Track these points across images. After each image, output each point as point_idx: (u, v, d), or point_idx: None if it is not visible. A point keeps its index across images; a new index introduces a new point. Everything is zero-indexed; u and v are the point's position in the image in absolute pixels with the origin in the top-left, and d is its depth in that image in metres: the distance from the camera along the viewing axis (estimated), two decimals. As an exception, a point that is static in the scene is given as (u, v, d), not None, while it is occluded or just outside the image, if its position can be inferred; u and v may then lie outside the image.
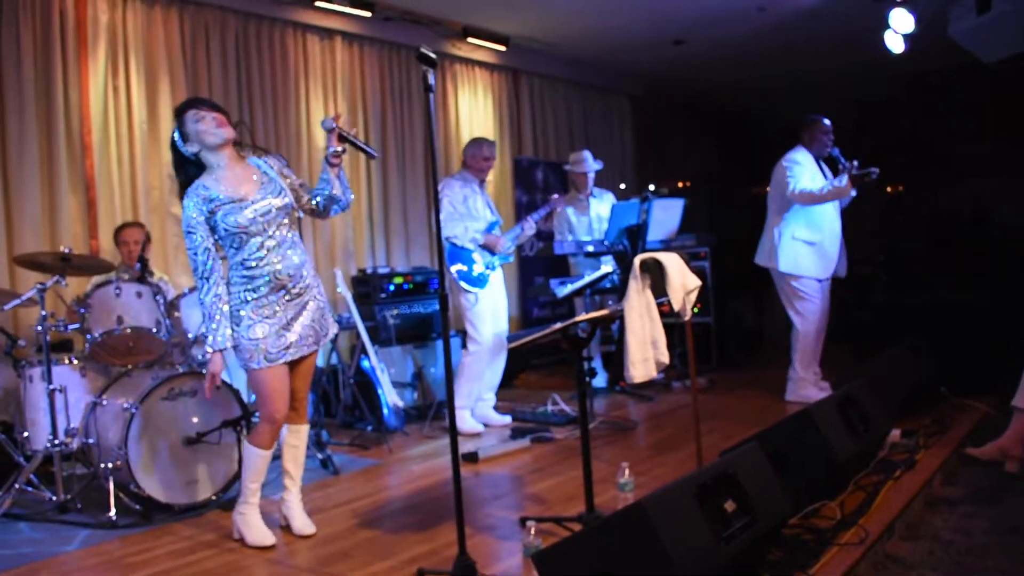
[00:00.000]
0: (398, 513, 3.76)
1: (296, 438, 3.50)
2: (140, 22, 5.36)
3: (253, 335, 3.15)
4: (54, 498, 3.82)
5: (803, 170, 5.40)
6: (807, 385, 5.52)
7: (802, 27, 7.53)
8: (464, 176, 5.36)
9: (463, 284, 5.15)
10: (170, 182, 5.41)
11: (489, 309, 5.26)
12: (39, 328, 3.90)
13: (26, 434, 4.04)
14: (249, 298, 3.16)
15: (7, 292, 4.35)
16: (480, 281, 5.19)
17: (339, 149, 3.28)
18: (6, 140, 4.80)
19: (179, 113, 3.21)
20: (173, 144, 3.22)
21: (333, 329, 3.49)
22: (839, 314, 8.87)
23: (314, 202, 3.37)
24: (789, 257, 5.44)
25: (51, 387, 3.85)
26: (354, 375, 5.32)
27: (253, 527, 3.35)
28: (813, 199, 5.28)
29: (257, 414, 4.87)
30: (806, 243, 5.44)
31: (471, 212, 5.25)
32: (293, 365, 3.32)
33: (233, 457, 3.94)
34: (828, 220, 5.48)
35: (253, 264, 3.15)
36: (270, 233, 3.17)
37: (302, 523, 3.47)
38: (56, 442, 3.84)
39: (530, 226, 5.52)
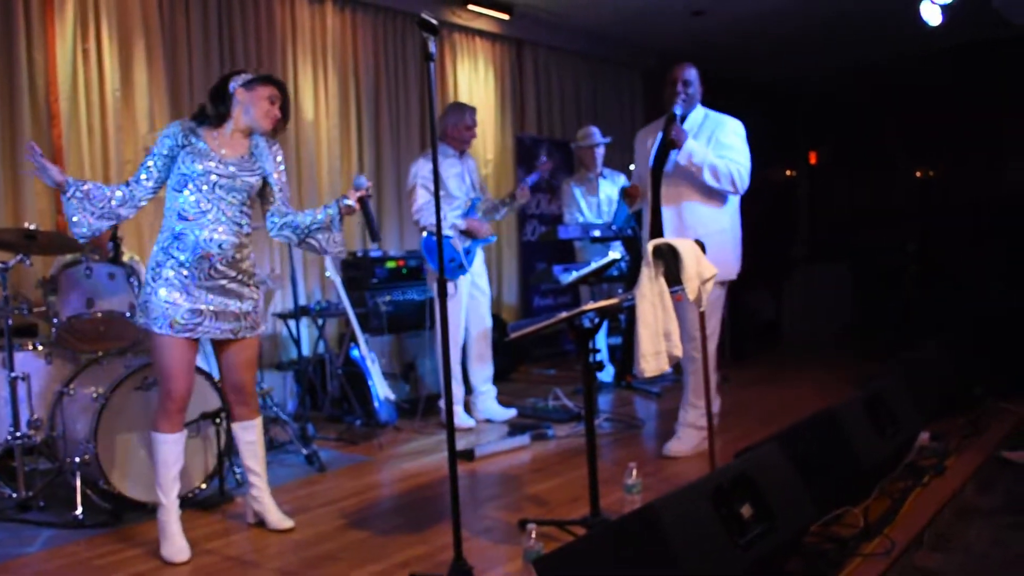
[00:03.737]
0: (389, 513, 3.75)
1: (250, 434, 3.53)
2: (113, -18, 5.31)
3: (166, 296, 3.18)
4: (15, 495, 3.81)
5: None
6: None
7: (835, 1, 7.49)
8: (440, 150, 5.27)
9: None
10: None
11: (466, 297, 5.25)
12: (0, 311, 3.88)
13: (-15, 425, 4.04)
14: (174, 254, 3.21)
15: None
16: (457, 270, 5.14)
17: (354, 206, 3.43)
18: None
19: (259, 79, 3.37)
20: (224, 82, 3.37)
21: (261, 327, 3.52)
22: (864, 308, 8.92)
23: (279, 216, 3.48)
24: None
25: (13, 375, 3.83)
26: (343, 365, 5.30)
27: (168, 537, 3.26)
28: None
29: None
30: None
31: (448, 192, 5.19)
32: (226, 352, 3.40)
33: (212, 452, 3.93)
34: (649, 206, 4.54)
35: (186, 223, 3.21)
36: (212, 197, 3.25)
37: (278, 517, 3.53)
38: (18, 435, 3.82)
39: (524, 194, 5.42)
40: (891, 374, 4.09)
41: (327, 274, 4.99)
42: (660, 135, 4.34)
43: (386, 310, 5.62)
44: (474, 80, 7.71)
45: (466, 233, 5.17)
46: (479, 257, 5.33)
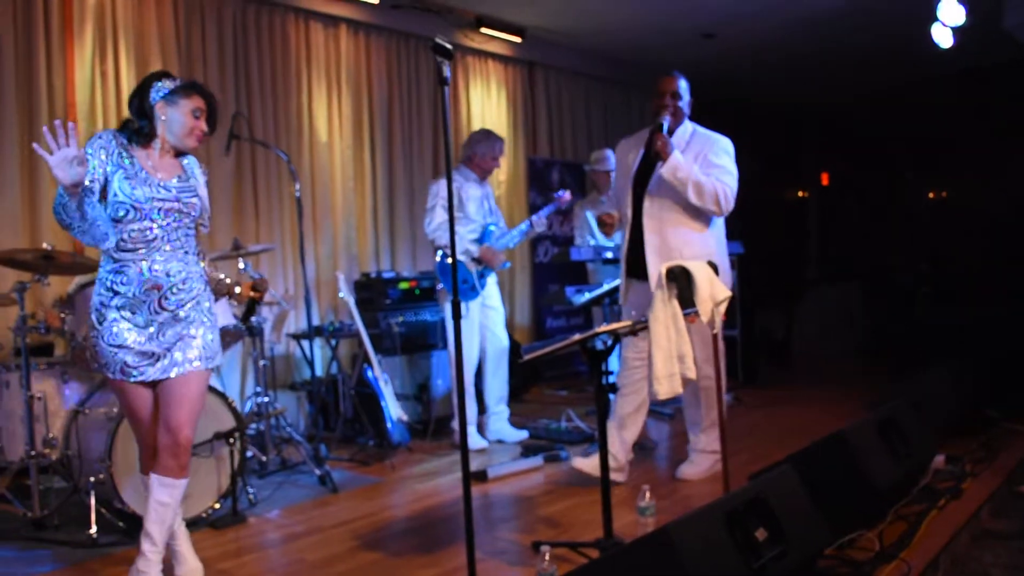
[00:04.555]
0: (402, 534, 3.75)
1: (167, 494, 2.96)
2: (131, 4, 5.37)
3: (115, 339, 2.88)
4: (29, 514, 3.82)
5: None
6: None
7: (842, 19, 7.51)
8: (463, 172, 5.33)
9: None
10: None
11: (478, 318, 5.26)
12: (17, 330, 3.91)
13: (0, 444, 4.06)
14: (118, 290, 2.89)
15: (-18, 291, 4.35)
16: (469, 292, 5.17)
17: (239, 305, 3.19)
18: (-17, 130, 4.80)
19: (180, 90, 2.99)
20: (144, 91, 2.99)
21: (219, 359, 3.12)
22: (877, 328, 8.89)
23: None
24: None
25: (29, 394, 3.85)
26: (356, 386, 5.30)
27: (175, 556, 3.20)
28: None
29: (252, 427, 4.91)
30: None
31: (467, 215, 5.23)
32: (167, 381, 2.95)
33: (226, 472, 3.93)
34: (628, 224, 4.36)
35: (129, 254, 2.88)
36: (160, 225, 2.92)
37: None
38: (33, 453, 3.84)
39: (541, 223, 5.46)
40: (904, 396, 4.06)
41: (340, 295, 5.00)
42: (643, 150, 4.20)
43: (399, 331, 5.62)
44: (486, 102, 7.75)
45: (478, 261, 5.19)
46: (492, 278, 5.35)
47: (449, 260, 5.07)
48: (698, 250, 4.03)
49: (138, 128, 2.98)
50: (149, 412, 3.00)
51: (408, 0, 6.71)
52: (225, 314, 4.40)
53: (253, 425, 4.89)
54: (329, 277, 6.21)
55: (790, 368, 8.06)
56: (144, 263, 2.89)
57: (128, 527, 3.69)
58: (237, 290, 3.14)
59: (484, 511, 4.00)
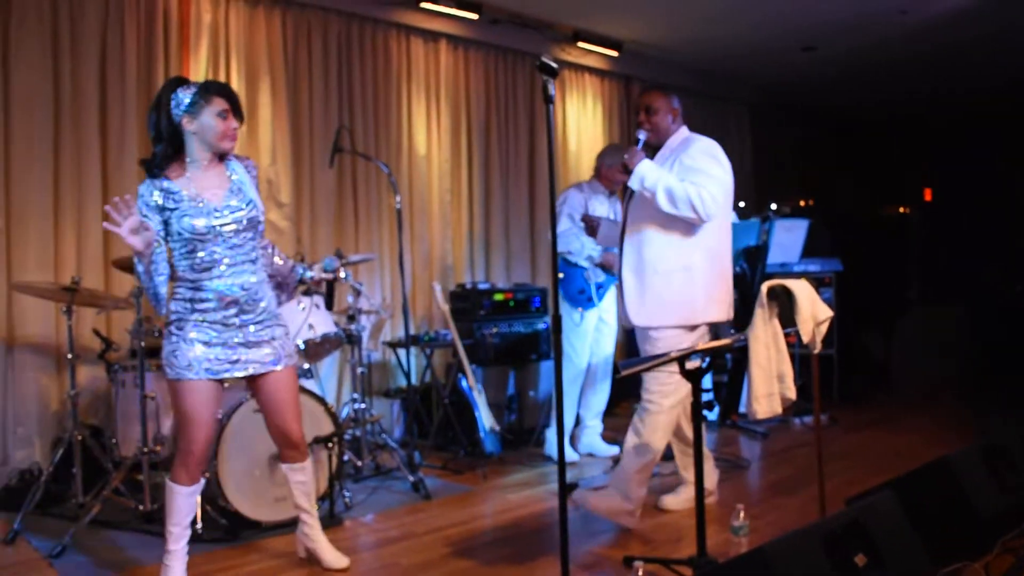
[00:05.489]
0: (494, 543, 3.79)
1: (300, 475, 3.44)
2: (242, 22, 5.59)
3: (199, 339, 3.03)
4: (140, 507, 4.00)
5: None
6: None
7: (950, 31, 7.31)
8: (592, 185, 5.38)
9: (567, 304, 5.18)
10: (266, 187, 5.61)
11: (592, 330, 5.27)
12: (134, 333, 4.11)
13: (115, 440, 4.28)
14: (199, 307, 3.04)
15: (102, 295, 4.57)
16: (586, 302, 5.19)
17: (316, 279, 3.57)
18: (107, 138, 5.04)
19: (199, 97, 3.02)
20: (164, 109, 3.03)
21: (295, 359, 3.32)
22: (983, 352, 8.58)
23: (272, 255, 3.46)
24: None
25: (143, 394, 4.04)
26: (449, 395, 5.38)
27: None
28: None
29: (348, 432, 5.02)
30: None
31: None
32: (263, 392, 3.23)
33: (324, 475, 4.05)
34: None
35: (201, 275, 3.04)
36: (225, 248, 3.06)
37: (333, 556, 3.46)
38: (146, 450, 4.01)
39: None
40: (1012, 422, 3.94)
41: (437, 304, 5.09)
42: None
43: (493, 341, 5.68)
44: (583, 115, 7.78)
45: (601, 266, 5.22)
46: (611, 292, 5.35)
47: (567, 263, 5.17)
48: (675, 263, 3.86)
49: (159, 158, 3.03)
50: (212, 414, 3.11)
51: (507, 15, 6.79)
52: (326, 322, 4.54)
53: (349, 431, 5.01)
54: (425, 287, 6.32)
55: (889, 390, 7.85)
56: (219, 281, 3.05)
57: (230, 524, 3.83)
58: (310, 275, 3.38)
59: (575, 524, 3.99)
